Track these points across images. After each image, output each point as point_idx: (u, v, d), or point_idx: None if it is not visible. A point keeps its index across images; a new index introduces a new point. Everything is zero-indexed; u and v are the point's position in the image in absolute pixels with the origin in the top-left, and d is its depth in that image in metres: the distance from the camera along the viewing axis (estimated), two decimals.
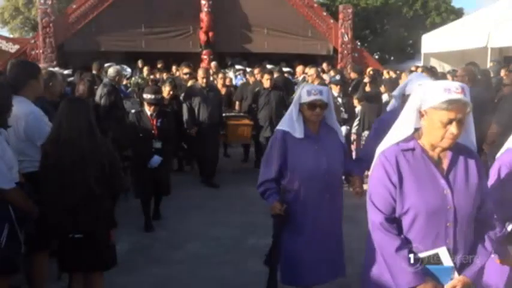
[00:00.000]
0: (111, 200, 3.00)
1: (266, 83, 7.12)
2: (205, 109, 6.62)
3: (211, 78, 8.05)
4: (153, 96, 5.10)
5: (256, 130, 7.22)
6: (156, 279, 3.99)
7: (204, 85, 6.71)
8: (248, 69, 12.91)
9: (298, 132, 2.94)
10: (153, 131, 5.13)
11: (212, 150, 6.84)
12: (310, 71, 7.55)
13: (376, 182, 2.04)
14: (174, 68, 11.30)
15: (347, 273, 4.04)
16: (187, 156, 7.40)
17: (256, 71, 8.74)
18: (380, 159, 2.04)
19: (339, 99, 6.50)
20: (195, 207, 5.85)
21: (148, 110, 5.16)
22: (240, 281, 3.93)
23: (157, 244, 4.77)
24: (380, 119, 3.55)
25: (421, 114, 1.98)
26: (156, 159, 5.09)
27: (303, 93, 2.95)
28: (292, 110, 3.01)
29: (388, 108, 3.61)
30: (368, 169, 3.54)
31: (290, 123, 2.99)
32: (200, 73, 6.88)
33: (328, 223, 3.04)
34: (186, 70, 8.09)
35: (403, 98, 3.24)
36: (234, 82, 10.80)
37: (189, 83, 7.58)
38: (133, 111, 5.38)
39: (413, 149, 2.01)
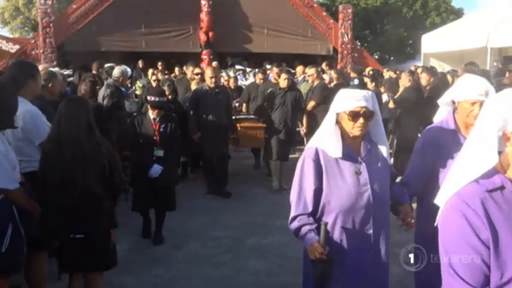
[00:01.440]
0: (111, 200, 3.00)
1: (283, 83, 6.67)
2: (214, 112, 6.24)
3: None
4: (157, 99, 4.64)
5: (269, 133, 6.76)
6: (156, 279, 3.99)
7: (212, 86, 6.27)
8: (248, 69, 12.93)
9: (335, 150, 2.28)
10: (155, 137, 4.66)
11: (221, 156, 6.42)
12: (310, 71, 7.51)
13: (456, 240, 1.41)
14: (177, 69, 11.04)
15: None
16: (192, 163, 7.04)
17: (275, 70, 8.29)
18: (457, 206, 1.41)
19: None
20: (195, 207, 5.86)
21: (151, 114, 4.72)
22: (240, 281, 3.94)
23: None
24: (426, 134, 2.91)
25: (505, 138, 1.40)
26: (156, 169, 4.61)
27: (341, 100, 2.31)
28: (327, 122, 2.34)
29: (435, 119, 2.98)
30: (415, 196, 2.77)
31: (325, 138, 2.32)
32: (208, 73, 6.39)
33: (373, 267, 2.37)
34: (197, 70, 7.54)
35: (454, 105, 2.70)
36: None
37: (193, 84, 7.16)
38: (135, 114, 5.10)
39: (501, 188, 1.40)
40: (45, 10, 12.46)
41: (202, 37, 13.40)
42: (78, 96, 5.26)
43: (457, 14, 22.48)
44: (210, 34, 13.30)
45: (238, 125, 6.88)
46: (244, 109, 7.88)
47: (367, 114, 2.28)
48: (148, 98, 4.73)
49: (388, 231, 2.45)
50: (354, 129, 2.28)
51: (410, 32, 21.32)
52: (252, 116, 7.27)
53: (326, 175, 2.30)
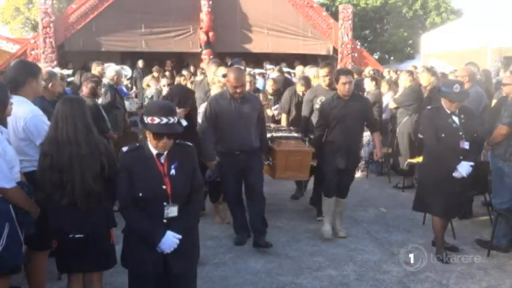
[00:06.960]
0: (110, 199, 3.00)
1: (343, 90, 4.61)
2: (238, 129, 4.39)
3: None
4: (163, 120, 2.57)
5: (322, 160, 4.83)
6: None
7: (236, 95, 4.39)
8: (248, 69, 12.92)
9: None
10: (163, 187, 2.63)
11: (254, 195, 4.56)
12: (310, 71, 7.23)
13: None
14: (186, 72, 10.44)
15: (346, 273, 4.06)
16: (211, 190, 5.15)
17: (319, 69, 5.70)
18: None
19: (455, 119, 4.16)
20: None
21: (153, 147, 2.66)
22: (240, 281, 3.93)
23: None
24: None
25: None
26: (170, 240, 2.62)
27: None
28: None
29: None
30: None
31: None
32: (231, 78, 4.34)
33: None
34: (222, 70, 5.29)
35: None
36: None
37: (215, 89, 5.20)
38: (125, 149, 2.73)
39: None
40: (45, 10, 12.50)
41: (202, 37, 13.43)
42: (75, 96, 5.23)
43: (457, 14, 22.50)
44: (210, 34, 13.33)
45: (275, 147, 4.87)
46: (284, 122, 6.00)
47: None
48: (149, 120, 2.59)
49: None
50: None
51: (410, 32, 21.36)
52: (295, 134, 5.25)
53: None
